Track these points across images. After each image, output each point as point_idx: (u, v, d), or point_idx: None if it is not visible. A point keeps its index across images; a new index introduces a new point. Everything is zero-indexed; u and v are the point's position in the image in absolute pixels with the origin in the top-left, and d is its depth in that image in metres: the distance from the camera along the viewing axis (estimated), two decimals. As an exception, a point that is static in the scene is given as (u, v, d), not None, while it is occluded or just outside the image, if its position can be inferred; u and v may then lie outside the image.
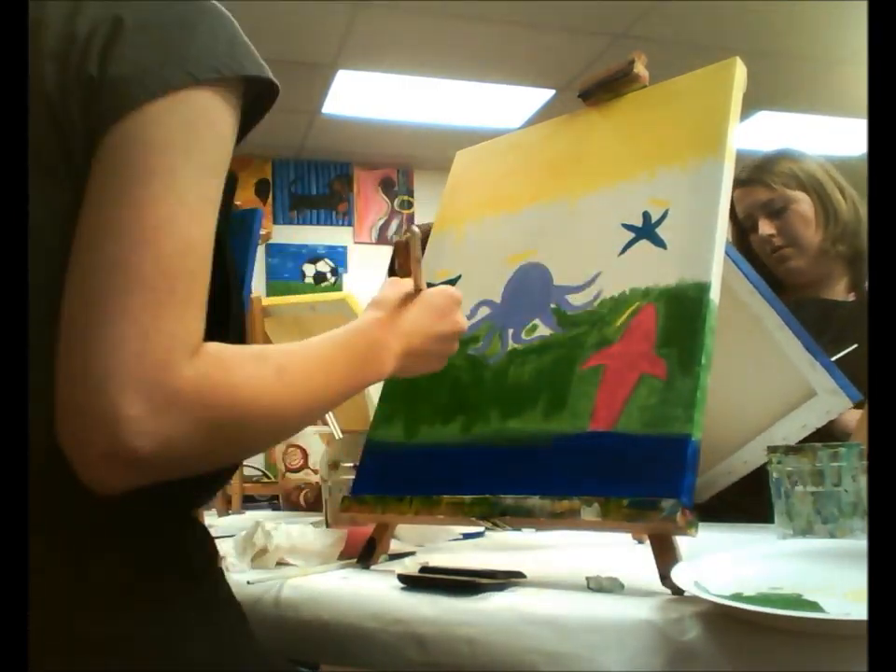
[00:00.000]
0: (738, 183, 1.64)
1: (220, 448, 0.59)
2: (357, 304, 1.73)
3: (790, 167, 1.62)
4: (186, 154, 0.59)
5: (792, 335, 1.14)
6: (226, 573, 0.97)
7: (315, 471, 1.60)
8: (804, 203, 1.60)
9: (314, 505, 1.59)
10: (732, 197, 1.64)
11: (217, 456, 0.60)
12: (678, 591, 0.70)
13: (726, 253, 1.10)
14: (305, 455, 1.61)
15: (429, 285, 1.13)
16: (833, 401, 1.14)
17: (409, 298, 0.84)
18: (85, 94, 0.59)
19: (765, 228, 1.61)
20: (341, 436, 1.44)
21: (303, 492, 1.61)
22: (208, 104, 0.61)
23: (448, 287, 0.89)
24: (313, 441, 1.62)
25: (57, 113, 0.60)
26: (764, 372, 1.18)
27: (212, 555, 0.72)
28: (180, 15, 0.63)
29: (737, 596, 0.64)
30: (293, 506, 1.62)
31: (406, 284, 0.86)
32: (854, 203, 1.62)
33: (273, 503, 2.02)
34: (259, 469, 2.32)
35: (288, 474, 1.62)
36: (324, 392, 0.67)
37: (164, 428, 0.53)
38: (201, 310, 0.58)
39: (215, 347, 0.58)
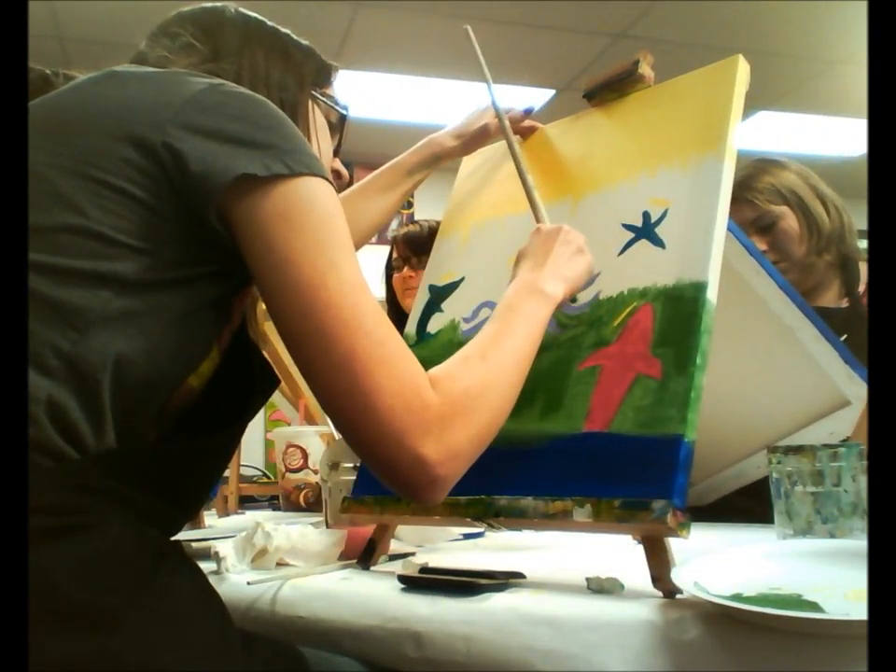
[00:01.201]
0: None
1: (484, 429, 0.74)
2: None
3: (770, 182, 1.62)
4: (335, 245, 0.71)
5: (830, 347, 1.13)
6: (225, 574, 0.97)
7: (316, 471, 1.60)
8: (789, 218, 1.60)
9: (314, 505, 1.59)
10: None
11: (486, 434, 0.75)
12: (669, 593, 0.70)
13: (760, 264, 1.10)
14: (305, 455, 1.61)
15: (432, 287, 1.14)
16: None
17: (531, 240, 0.95)
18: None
19: (758, 244, 1.61)
20: (341, 437, 1.44)
21: (303, 492, 1.61)
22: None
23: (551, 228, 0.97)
24: (313, 441, 1.62)
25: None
26: (793, 380, 1.17)
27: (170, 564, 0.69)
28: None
29: (737, 597, 0.64)
30: (293, 506, 1.62)
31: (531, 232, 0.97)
32: (837, 210, 1.62)
33: (272, 503, 2.02)
34: (258, 469, 2.31)
35: (288, 474, 1.62)
36: (521, 350, 0.81)
37: (450, 448, 0.69)
38: (406, 347, 0.71)
39: (432, 371, 0.72)
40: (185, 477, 0.75)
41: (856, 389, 1.13)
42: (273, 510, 1.95)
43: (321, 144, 0.92)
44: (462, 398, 0.72)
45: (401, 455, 0.67)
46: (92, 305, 0.65)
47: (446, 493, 0.71)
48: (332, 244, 0.70)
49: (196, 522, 1.50)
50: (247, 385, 0.82)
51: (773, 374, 1.17)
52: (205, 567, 1.00)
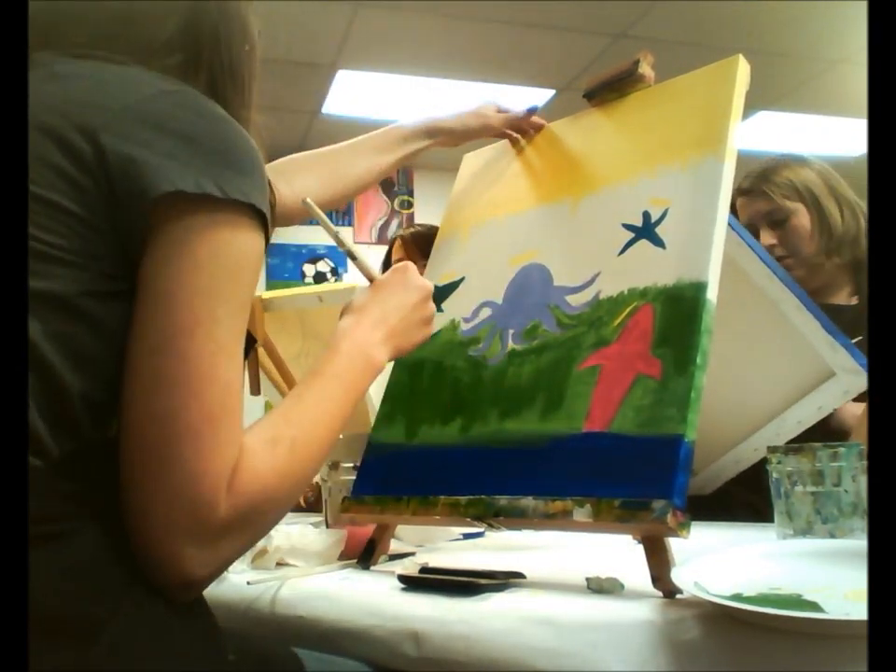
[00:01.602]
0: (740, 192, 1.65)
1: (262, 530, 0.69)
2: None
3: (788, 178, 1.62)
4: (227, 300, 0.65)
5: (811, 317, 1.13)
6: (224, 574, 0.97)
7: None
8: (802, 216, 1.61)
9: (314, 505, 1.59)
10: (734, 204, 1.64)
11: (261, 533, 0.70)
12: (669, 593, 0.70)
13: (742, 238, 1.10)
14: None
15: (435, 287, 1.13)
16: (852, 381, 1.14)
17: (365, 292, 0.89)
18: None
19: (767, 238, 1.61)
20: (341, 437, 1.44)
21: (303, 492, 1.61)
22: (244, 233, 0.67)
23: (395, 267, 0.93)
24: None
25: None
26: (780, 356, 1.18)
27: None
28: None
29: (737, 597, 0.64)
30: (293, 506, 1.62)
31: (361, 287, 0.91)
32: (854, 211, 1.62)
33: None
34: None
35: None
36: (336, 423, 0.76)
37: (220, 555, 0.63)
38: (237, 433, 0.64)
39: (244, 444, 0.65)
40: None
41: (840, 359, 1.14)
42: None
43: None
44: (253, 505, 0.64)
45: (162, 547, 0.61)
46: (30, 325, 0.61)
47: (192, 594, 0.64)
48: (225, 297, 0.64)
49: None
50: None
51: (760, 350, 1.18)
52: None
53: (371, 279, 0.92)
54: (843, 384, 1.14)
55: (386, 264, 2.30)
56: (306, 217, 1.09)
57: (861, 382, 1.13)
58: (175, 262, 0.63)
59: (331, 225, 0.94)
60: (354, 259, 0.93)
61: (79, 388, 0.63)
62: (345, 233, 5.34)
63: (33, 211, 0.62)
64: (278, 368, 1.82)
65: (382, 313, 0.86)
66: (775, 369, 1.19)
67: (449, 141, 1.24)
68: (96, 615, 0.57)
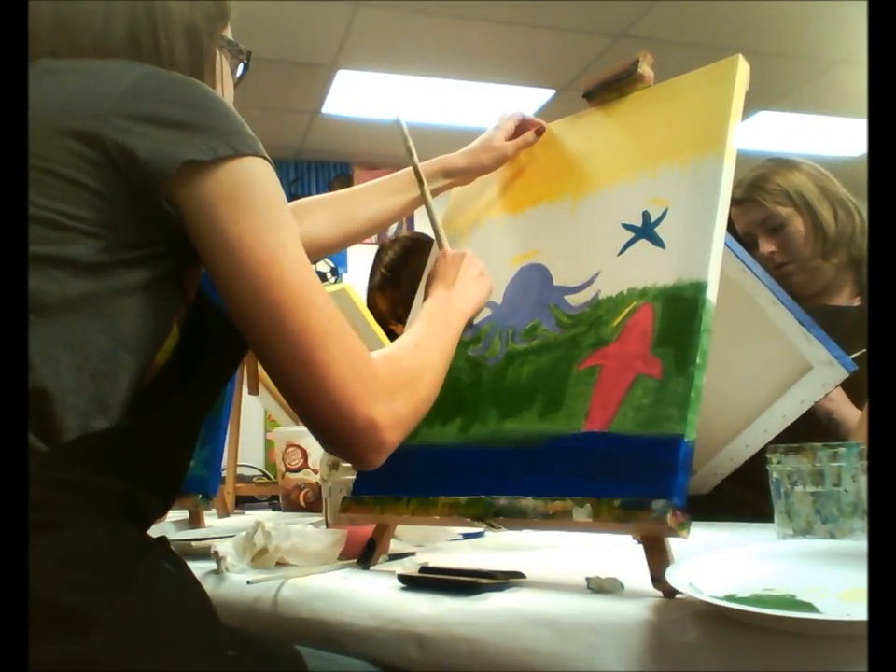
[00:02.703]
0: (734, 202, 1.65)
1: (421, 403, 0.80)
2: (356, 295, 1.71)
3: (779, 184, 1.62)
4: (281, 225, 0.73)
5: (785, 309, 1.14)
6: (225, 573, 0.97)
7: (315, 471, 1.60)
8: (796, 221, 1.61)
9: (313, 505, 1.59)
10: (730, 214, 1.65)
11: (423, 409, 0.81)
12: (669, 593, 0.70)
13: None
14: (305, 454, 1.61)
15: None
16: (828, 373, 1.14)
17: (441, 262, 1.02)
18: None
19: (766, 246, 1.62)
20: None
21: (303, 492, 1.61)
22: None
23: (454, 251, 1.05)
24: (313, 441, 1.62)
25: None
26: (760, 351, 1.18)
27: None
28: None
29: (731, 597, 0.64)
30: (293, 506, 1.62)
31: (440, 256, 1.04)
32: (848, 210, 1.62)
33: (273, 503, 2.02)
34: (258, 469, 2.31)
35: (288, 474, 1.62)
36: (444, 347, 0.89)
37: (396, 415, 0.74)
38: (343, 326, 0.74)
39: (375, 354, 0.77)
40: (158, 457, 0.73)
41: (815, 352, 1.14)
42: (273, 510, 1.94)
43: (226, 91, 0.90)
44: (404, 373, 0.78)
45: (354, 420, 0.71)
46: (48, 289, 0.66)
47: (386, 457, 0.75)
48: (279, 224, 0.72)
49: (195, 521, 1.50)
50: (212, 354, 0.81)
51: (743, 346, 1.18)
52: (205, 566, 1.00)
53: (442, 248, 1.05)
54: (821, 376, 1.14)
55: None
56: (317, 258, 1.20)
57: (836, 373, 1.13)
58: (221, 217, 0.70)
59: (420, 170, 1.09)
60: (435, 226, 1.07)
61: (95, 365, 0.68)
62: (345, 233, 5.37)
63: (47, 185, 0.67)
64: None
65: (453, 274, 1.00)
66: (757, 362, 1.20)
67: (465, 180, 1.22)
68: (92, 606, 0.57)
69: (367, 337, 1.62)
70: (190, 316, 0.80)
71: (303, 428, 1.72)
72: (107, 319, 0.69)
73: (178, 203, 0.71)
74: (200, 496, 1.47)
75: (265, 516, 1.63)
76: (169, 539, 0.71)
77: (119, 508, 0.65)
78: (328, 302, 0.73)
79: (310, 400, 0.71)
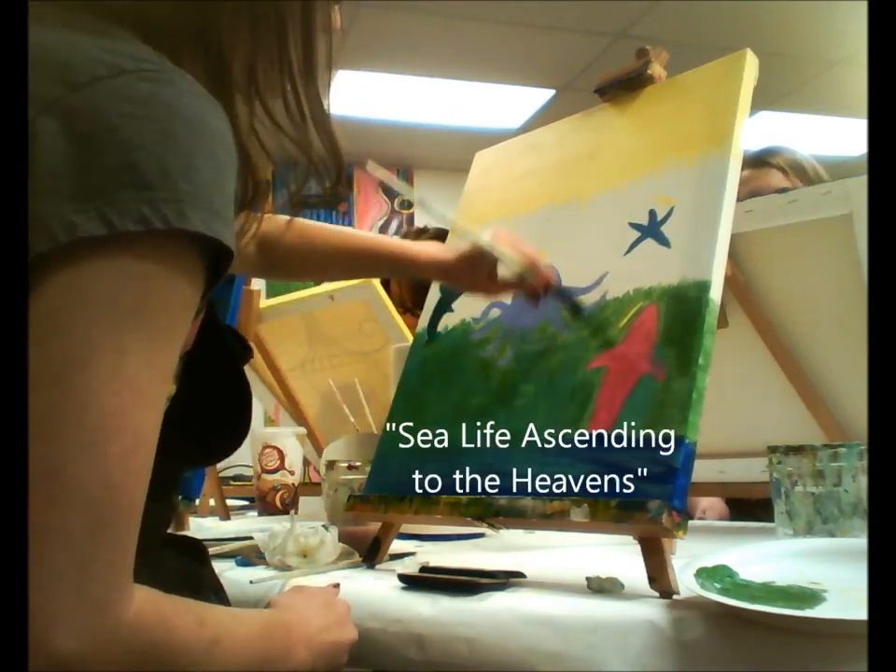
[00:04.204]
0: (748, 163, 1.62)
1: None
2: (382, 291, 1.62)
3: (795, 159, 1.63)
4: (134, 321, 0.49)
5: None
6: (224, 573, 0.97)
7: (292, 472, 1.60)
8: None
9: (290, 507, 1.59)
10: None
11: None
12: (666, 594, 0.70)
13: None
14: (282, 455, 1.60)
15: (443, 287, 1.13)
16: None
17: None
18: None
19: None
20: (346, 436, 1.44)
21: (279, 493, 1.60)
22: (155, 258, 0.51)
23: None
24: (289, 441, 1.62)
25: None
26: None
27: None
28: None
29: (738, 595, 0.64)
30: (269, 508, 1.61)
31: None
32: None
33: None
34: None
35: (265, 475, 1.61)
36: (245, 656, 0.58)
37: (94, 667, 0.48)
38: (139, 519, 0.50)
39: (153, 596, 0.52)
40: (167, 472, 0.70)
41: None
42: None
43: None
44: (156, 652, 0.50)
45: (34, 634, 0.46)
46: None
47: None
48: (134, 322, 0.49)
49: (179, 524, 1.48)
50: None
51: None
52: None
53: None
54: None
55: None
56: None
57: None
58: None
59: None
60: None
61: None
62: (345, 233, 5.38)
63: None
64: (273, 374, 1.80)
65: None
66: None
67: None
68: None
69: (393, 334, 1.59)
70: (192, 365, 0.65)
71: (281, 429, 1.72)
72: None
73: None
74: (180, 497, 1.45)
75: (263, 519, 1.62)
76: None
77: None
78: (122, 466, 0.48)
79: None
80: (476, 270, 1.03)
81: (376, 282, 1.62)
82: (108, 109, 0.50)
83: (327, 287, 1.72)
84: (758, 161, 1.66)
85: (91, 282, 0.48)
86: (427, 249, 1.06)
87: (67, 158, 0.49)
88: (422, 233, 2.28)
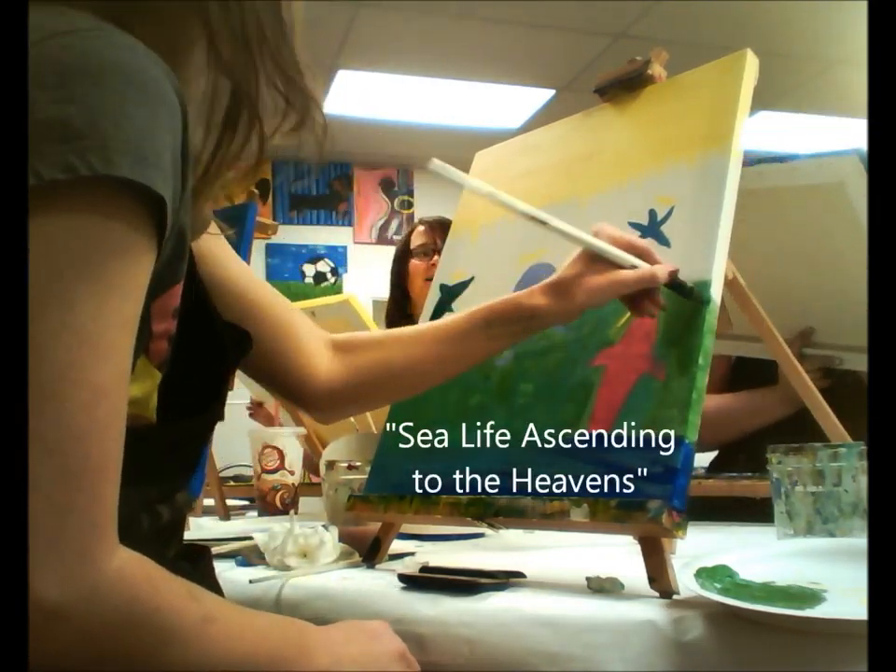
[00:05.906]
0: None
1: (121, 660, 0.50)
2: (360, 306, 1.67)
3: None
4: (76, 272, 0.49)
5: None
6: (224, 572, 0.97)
7: (292, 472, 1.61)
8: None
9: (290, 507, 1.59)
10: None
11: (112, 666, 0.51)
12: (666, 594, 0.70)
13: None
14: (282, 455, 1.60)
15: (443, 286, 1.13)
16: None
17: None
18: None
19: None
20: (348, 436, 1.44)
21: (279, 493, 1.60)
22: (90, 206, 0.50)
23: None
24: (289, 441, 1.62)
25: None
26: None
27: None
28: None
29: (738, 595, 0.64)
30: (268, 508, 1.61)
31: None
32: None
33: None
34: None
35: (265, 475, 1.61)
36: (239, 663, 0.55)
37: (78, 618, 0.47)
38: (118, 473, 0.50)
39: (139, 557, 0.51)
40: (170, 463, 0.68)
41: None
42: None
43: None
44: (141, 607, 0.50)
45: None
46: None
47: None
48: (89, 277, 0.49)
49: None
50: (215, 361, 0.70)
51: None
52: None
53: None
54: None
55: (405, 253, 2.26)
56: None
57: None
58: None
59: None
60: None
61: None
62: (345, 233, 5.37)
63: None
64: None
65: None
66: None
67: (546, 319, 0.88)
68: None
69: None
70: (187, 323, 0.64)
71: (281, 429, 1.72)
72: None
73: None
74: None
75: (263, 519, 1.62)
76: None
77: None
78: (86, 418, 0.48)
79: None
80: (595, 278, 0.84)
81: (353, 300, 1.67)
82: (42, 69, 0.51)
83: (307, 303, 1.75)
84: None
85: (31, 236, 0.48)
86: (537, 290, 0.88)
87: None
88: (439, 224, 2.20)
